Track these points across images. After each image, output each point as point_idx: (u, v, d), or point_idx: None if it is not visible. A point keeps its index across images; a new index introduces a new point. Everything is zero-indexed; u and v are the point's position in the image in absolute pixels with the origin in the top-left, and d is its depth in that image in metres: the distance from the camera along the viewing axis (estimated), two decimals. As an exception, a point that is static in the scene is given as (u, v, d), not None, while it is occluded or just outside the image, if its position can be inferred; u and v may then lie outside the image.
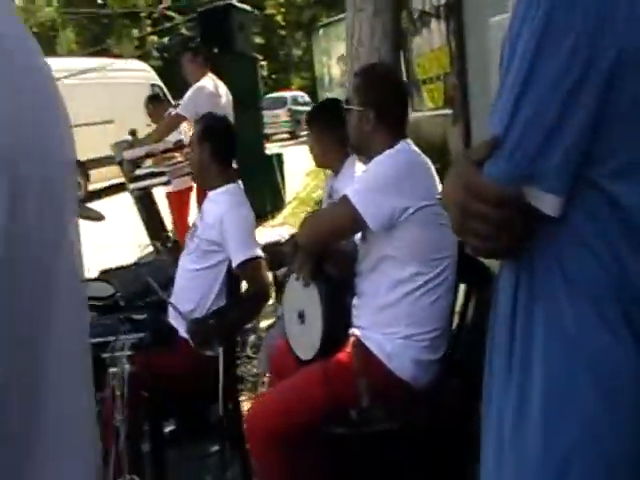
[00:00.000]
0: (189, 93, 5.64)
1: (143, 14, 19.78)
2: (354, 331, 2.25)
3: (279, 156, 10.24)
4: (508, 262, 1.03)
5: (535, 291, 0.98)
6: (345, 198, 2.15)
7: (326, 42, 16.07)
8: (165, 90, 14.55)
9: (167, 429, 3.28)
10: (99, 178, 13.71)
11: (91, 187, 14.09)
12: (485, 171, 0.95)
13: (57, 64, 14.95)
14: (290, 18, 26.99)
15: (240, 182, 3.12)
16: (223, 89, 5.73)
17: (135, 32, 21.39)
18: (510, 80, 0.93)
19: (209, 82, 5.55)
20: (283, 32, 28.51)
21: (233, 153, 3.13)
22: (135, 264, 5.36)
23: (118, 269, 4.80)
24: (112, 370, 2.45)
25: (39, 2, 17.52)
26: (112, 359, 2.45)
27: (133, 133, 6.68)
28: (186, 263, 3.07)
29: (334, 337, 2.28)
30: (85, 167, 13.45)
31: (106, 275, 4.38)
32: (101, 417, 2.72)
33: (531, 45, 0.89)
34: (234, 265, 2.86)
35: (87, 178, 14.33)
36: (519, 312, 0.99)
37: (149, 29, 20.35)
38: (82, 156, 11.02)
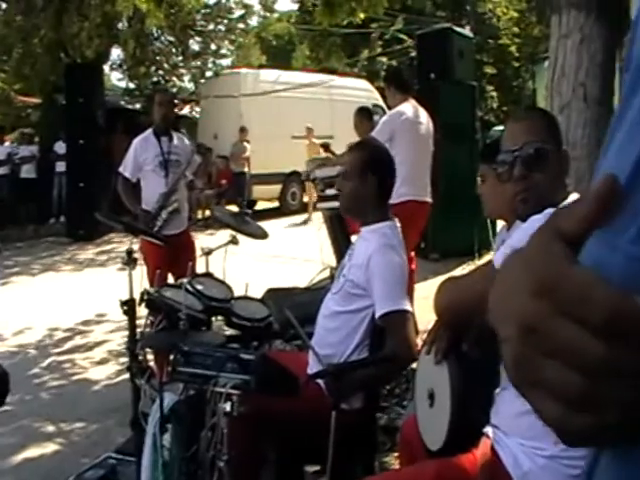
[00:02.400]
0: (385, 117, 5.46)
1: (374, 35, 20.05)
2: (488, 431, 1.80)
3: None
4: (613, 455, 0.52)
5: None
6: (490, 265, 1.70)
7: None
8: (387, 111, 14.44)
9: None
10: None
11: (305, 198, 14.39)
12: (586, 259, 0.47)
13: (284, 77, 15.56)
14: (525, 50, 26.02)
15: (397, 221, 2.76)
16: (424, 117, 5.40)
17: (365, 52, 21.78)
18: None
19: (409, 108, 5.26)
20: (517, 64, 27.59)
21: (392, 188, 2.78)
22: (304, 288, 5.21)
23: (284, 290, 4.64)
24: (210, 407, 2.23)
25: (273, 16, 18.37)
26: (213, 395, 2.22)
27: (327, 148, 6.55)
28: (329, 302, 2.80)
29: (463, 433, 1.83)
30: (302, 179, 13.76)
31: (270, 294, 4.23)
32: (197, 455, 2.52)
33: None
34: (377, 315, 2.56)
35: (304, 189, 14.69)
36: None
37: (379, 50, 20.60)
38: (301, 168, 11.16)
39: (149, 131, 5.04)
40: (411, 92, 5.53)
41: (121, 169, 5.00)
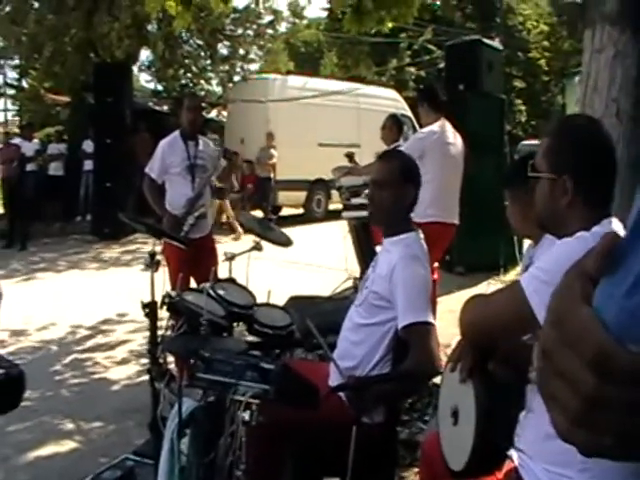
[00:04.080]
0: (418, 134, 5.45)
1: (403, 45, 20.00)
2: (513, 454, 1.76)
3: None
4: None
5: None
6: (517, 285, 1.66)
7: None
8: (414, 122, 14.31)
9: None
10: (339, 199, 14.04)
11: (332, 207, 14.37)
12: (596, 299, 0.53)
13: (312, 84, 15.58)
14: (554, 64, 25.85)
15: (420, 232, 2.74)
16: (456, 138, 5.37)
17: (394, 62, 21.75)
18: None
19: (441, 128, 5.24)
20: (546, 78, 27.42)
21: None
22: (327, 297, 5.20)
23: (307, 298, 4.62)
24: (229, 415, 2.22)
25: (302, 22, 18.42)
26: (232, 403, 2.21)
27: (351, 158, 6.51)
28: (353, 315, 2.78)
29: (487, 454, 1.80)
30: (328, 186, 13.73)
31: (293, 302, 4.22)
32: (215, 462, 2.51)
33: None
34: (399, 327, 2.54)
35: (329, 197, 14.68)
36: None
37: (408, 60, 20.54)
38: (326, 175, 11.14)
39: (176, 134, 5.05)
40: (444, 111, 5.48)
41: (147, 170, 5.01)
